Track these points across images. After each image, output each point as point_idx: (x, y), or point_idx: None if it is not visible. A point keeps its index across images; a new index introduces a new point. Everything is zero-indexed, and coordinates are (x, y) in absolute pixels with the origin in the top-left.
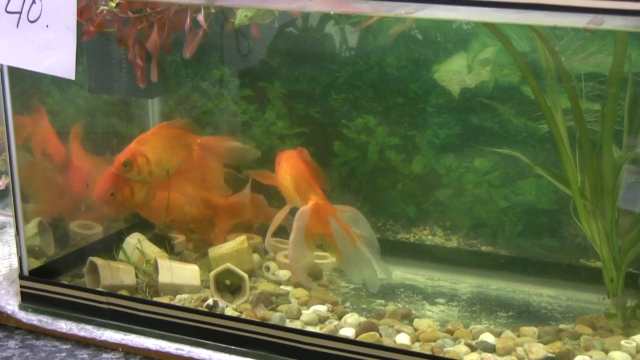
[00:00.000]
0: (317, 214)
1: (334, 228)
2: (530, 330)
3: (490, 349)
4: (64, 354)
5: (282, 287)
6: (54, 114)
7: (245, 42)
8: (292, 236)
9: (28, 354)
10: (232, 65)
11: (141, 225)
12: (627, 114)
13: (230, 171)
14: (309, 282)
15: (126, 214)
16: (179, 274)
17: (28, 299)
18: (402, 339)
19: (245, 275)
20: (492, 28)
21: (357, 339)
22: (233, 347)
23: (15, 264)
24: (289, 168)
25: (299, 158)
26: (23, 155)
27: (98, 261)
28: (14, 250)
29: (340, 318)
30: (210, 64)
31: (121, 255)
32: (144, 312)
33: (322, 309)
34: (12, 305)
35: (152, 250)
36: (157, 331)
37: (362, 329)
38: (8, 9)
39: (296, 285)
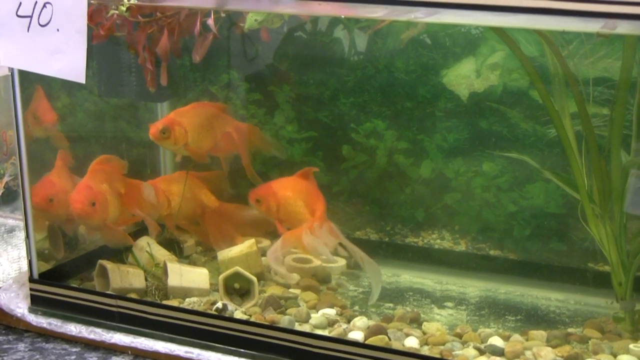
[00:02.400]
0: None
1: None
2: (539, 333)
3: (499, 352)
4: (73, 357)
5: (290, 290)
6: (63, 118)
7: (254, 46)
8: (278, 247)
9: (38, 356)
10: (241, 69)
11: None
12: (636, 118)
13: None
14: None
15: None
16: (188, 277)
17: (38, 302)
18: (411, 343)
19: (254, 279)
20: (500, 33)
21: (366, 342)
22: (242, 350)
23: (25, 267)
24: (299, 192)
25: (298, 181)
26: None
27: (108, 264)
28: (24, 253)
29: (349, 321)
30: (219, 67)
31: (130, 259)
32: (154, 315)
33: (331, 312)
34: (21, 308)
35: (161, 253)
36: (167, 334)
37: (370, 332)
38: (19, 13)
39: (305, 288)
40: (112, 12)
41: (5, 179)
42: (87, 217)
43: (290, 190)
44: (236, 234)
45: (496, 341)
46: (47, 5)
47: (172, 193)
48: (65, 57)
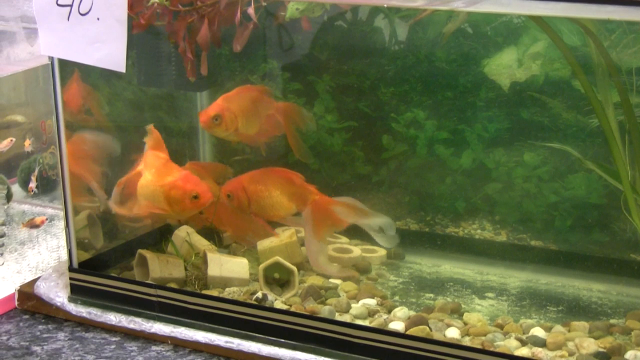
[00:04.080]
0: (319, 211)
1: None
2: (581, 325)
3: (541, 343)
4: (113, 346)
5: (330, 280)
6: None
7: (294, 36)
8: (305, 241)
9: (77, 345)
10: (281, 58)
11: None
12: None
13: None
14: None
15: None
16: (228, 267)
17: (77, 292)
18: (452, 333)
19: (295, 269)
20: (540, 22)
21: (407, 332)
22: (282, 340)
23: (64, 257)
24: (273, 183)
25: (272, 172)
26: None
27: (147, 254)
28: (63, 242)
29: (389, 312)
30: (258, 57)
31: (170, 248)
32: (193, 304)
33: (372, 302)
34: (61, 298)
35: (200, 243)
36: (207, 324)
37: (411, 322)
38: (59, 2)
39: (345, 279)
40: (152, 1)
41: (36, 172)
42: None
43: (262, 183)
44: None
45: (538, 332)
46: None
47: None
48: (105, 47)
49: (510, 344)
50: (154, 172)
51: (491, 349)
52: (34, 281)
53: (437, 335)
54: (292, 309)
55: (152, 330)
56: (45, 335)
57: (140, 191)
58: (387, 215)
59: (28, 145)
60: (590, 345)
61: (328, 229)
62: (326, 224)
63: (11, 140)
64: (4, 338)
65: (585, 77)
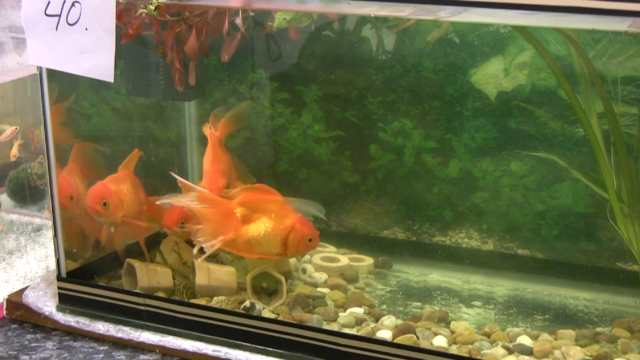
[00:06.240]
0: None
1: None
2: (568, 333)
3: (528, 351)
4: (101, 355)
5: (318, 289)
6: (89, 117)
7: (281, 46)
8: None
9: (66, 354)
10: (268, 68)
11: None
12: None
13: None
14: None
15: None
16: (216, 276)
17: (66, 301)
18: (440, 342)
19: (282, 278)
20: (524, 32)
21: (395, 341)
22: (270, 349)
23: (52, 266)
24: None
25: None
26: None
27: (135, 263)
28: (51, 252)
29: (377, 320)
30: (246, 67)
31: (158, 258)
32: (181, 313)
33: (359, 311)
34: (49, 307)
35: (188, 252)
36: (195, 333)
37: (399, 331)
38: (47, 12)
39: (333, 287)
40: (140, 11)
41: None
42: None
43: (122, 184)
44: None
45: (525, 340)
46: (75, 4)
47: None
48: (94, 56)
49: (497, 352)
50: (274, 217)
51: (478, 357)
52: (22, 290)
53: (424, 344)
54: (280, 318)
55: (140, 339)
56: (33, 345)
57: (259, 237)
58: (375, 224)
59: (16, 147)
60: (577, 354)
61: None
62: None
63: (16, 129)
64: None
65: (570, 87)
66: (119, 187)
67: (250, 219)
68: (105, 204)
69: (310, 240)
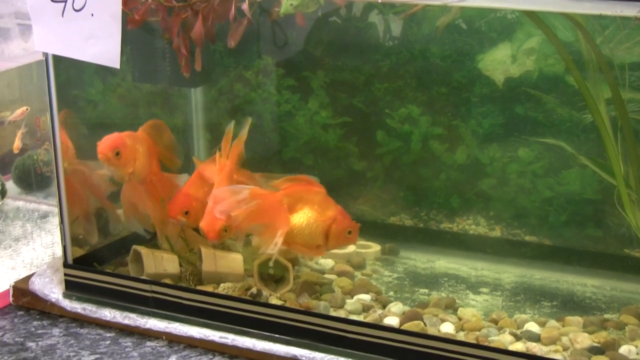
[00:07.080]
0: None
1: None
2: (575, 319)
3: (535, 338)
4: (108, 342)
5: (325, 276)
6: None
7: (288, 32)
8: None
9: (72, 341)
10: (275, 54)
11: None
12: None
13: None
14: None
15: None
16: (223, 263)
17: (72, 287)
18: (447, 328)
19: (289, 265)
20: (535, 18)
21: (402, 328)
22: (277, 335)
23: (59, 253)
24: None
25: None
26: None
27: (142, 250)
28: (57, 239)
29: (384, 307)
30: (253, 53)
31: (165, 244)
32: (188, 300)
33: (366, 298)
34: (56, 294)
35: (195, 238)
36: (201, 319)
37: (406, 318)
38: None
39: (340, 274)
40: None
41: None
42: None
43: (139, 144)
44: None
45: (532, 327)
46: None
47: None
48: (100, 43)
49: (504, 339)
50: (317, 208)
51: (485, 344)
52: (29, 277)
53: (431, 330)
54: (287, 305)
55: (147, 326)
56: (40, 331)
57: (301, 228)
58: (382, 211)
59: (19, 139)
60: (585, 340)
61: None
62: None
63: (27, 109)
64: None
65: (579, 73)
66: (135, 144)
67: (293, 209)
68: (117, 154)
69: (349, 232)
